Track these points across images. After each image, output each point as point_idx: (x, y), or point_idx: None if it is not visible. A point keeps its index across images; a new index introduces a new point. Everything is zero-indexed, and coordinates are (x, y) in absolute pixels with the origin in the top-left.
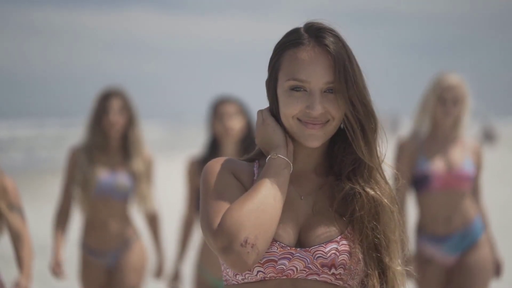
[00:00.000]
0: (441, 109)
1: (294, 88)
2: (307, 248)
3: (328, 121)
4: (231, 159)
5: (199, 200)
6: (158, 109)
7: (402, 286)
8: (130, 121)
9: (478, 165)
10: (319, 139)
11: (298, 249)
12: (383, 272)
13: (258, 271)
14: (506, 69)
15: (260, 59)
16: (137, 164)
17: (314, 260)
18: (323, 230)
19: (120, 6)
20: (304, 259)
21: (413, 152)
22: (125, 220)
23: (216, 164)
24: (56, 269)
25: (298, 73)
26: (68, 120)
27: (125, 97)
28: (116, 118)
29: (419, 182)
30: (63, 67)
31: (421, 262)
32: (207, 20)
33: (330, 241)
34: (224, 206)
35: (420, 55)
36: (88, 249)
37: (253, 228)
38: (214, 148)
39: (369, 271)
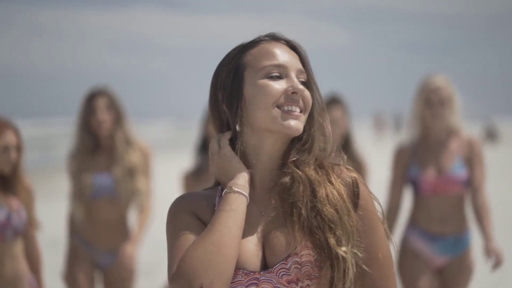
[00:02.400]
0: (429, 112)
1: (270, 76)
2: (270, 270)
3: (301, 111)
4: (191, 195)
5: None
6: (164, 108)
7: (352, 270)
8: (118, 119)
9: (475, 159)
10: (300, 126)
11: (262, 272)
12: (335, 257)
13: None
14: (506, 68)
15: None
16: (130, 159)
17: (280, 279)
18: (283, 245)
19: (125, 5)
20: (270, 281)
21: (407, 159)
22: (124, 223)
23: (175, 207)
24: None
25: (273, 59)
26: (74, 119)
27: (110, 95)
28: (103, 116)
29: (412, 187)
30: (68, 66)
31: (408, 255)
32: (212, 19)
33: (290, 255)
34: (180, 251)
35: (424, 54)
36: (82, 239)
37: (207, 273)
38: (204, 149)
39: (318, 262)
